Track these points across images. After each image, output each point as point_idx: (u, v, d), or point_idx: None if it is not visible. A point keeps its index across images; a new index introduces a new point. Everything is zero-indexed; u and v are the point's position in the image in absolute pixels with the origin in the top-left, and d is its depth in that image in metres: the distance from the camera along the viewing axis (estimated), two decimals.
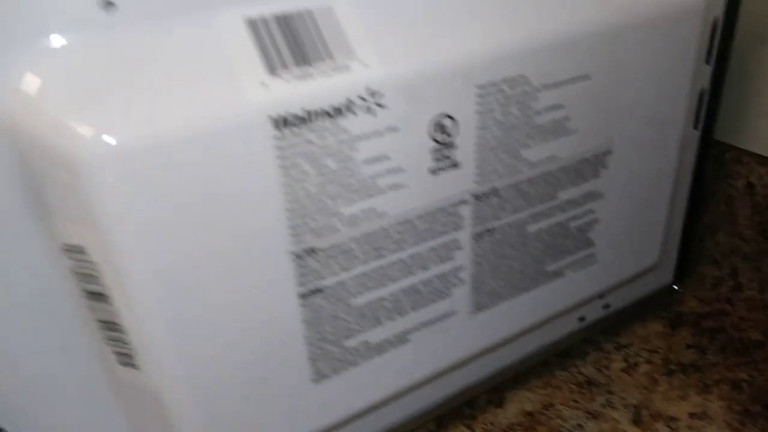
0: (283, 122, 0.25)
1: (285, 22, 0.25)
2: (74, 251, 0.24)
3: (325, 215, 0.27)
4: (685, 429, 0.43)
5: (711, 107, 0.43)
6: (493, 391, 0.45)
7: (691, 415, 0.44)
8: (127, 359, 0.26)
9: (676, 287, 0.52)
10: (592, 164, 0.36)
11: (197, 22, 0.23)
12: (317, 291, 0.29)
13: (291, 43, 0.25)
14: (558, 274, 0.38)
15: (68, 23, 0.21)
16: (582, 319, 0.46)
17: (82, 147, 0.21)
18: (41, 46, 0.21)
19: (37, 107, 0.21)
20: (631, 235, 0.40)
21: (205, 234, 0.25)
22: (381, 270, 0.31)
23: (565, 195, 0.35)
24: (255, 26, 0.24)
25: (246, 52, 0.24)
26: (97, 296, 0.25)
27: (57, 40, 0.21)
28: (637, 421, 0.44)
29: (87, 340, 0.26)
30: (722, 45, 0.41)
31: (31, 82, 0.21)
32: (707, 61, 0.41)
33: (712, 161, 0.56)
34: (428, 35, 0.27)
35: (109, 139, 0.22)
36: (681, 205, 0.46)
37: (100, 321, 0.26)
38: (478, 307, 0.36)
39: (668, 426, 0.44)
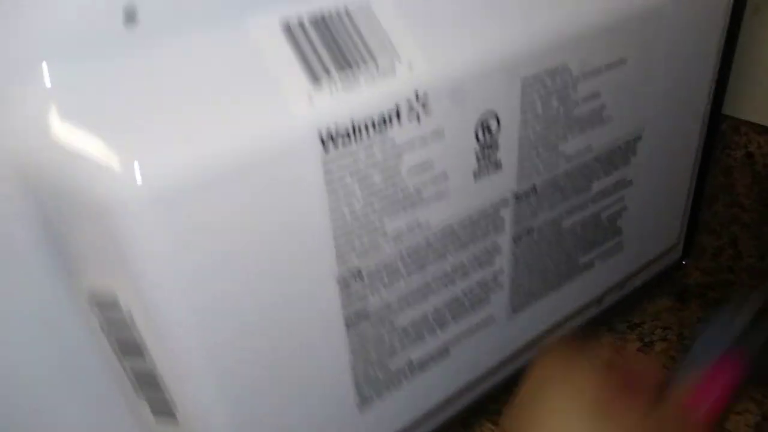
0: (330, 138, 0.22)
1: (323, 23, 0.22)
2: (104, 302, 0.21)
3: (370, 233, 0.25)
4: None
5: (721, 82, 0.42)
6: (515, 382, 0.44)
7: None
8: (164, 412, 0.24)
9: (684, 262, 0.52)
10: (624, 152, 0.34)
11: (228, 33, 0.20)
12: (363, 315, 0.27)
13: (332, 47, 0.22)
14: (589, 265, 0.37)
15: (88, 45, 0.18)
16: (600, 302, 0.45)
17: (112, 187, 0.18)
18: (59, 73, 0.18)
19: (57, 143, 0.18)
20: (656, 218, 0.40)
21: (247, 271, 0.22)
22: (424, 284, 0.28)
23: (598, 186, 0.34)
24: (291, 31, 0.22)
25: (286, 61, 0.21)
26: (131, 348, 0.22)
27: (76, 66, 0.18)
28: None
29: (119, 395, 0.23)
30: (733, 19, 0.40)
31: (50, 115, 0.18)
32: (726, 39, 0.40)
33: (716, 134, 0.56)
34: (471, 29, 0.25)
35: (143, 177, 0.19)
36: (692, 182, 0.45)
37: (135, 373, 0.23)
38: (515, 309, 0.34)
39: None
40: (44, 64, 0.18)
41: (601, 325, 0.49)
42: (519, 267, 0.32)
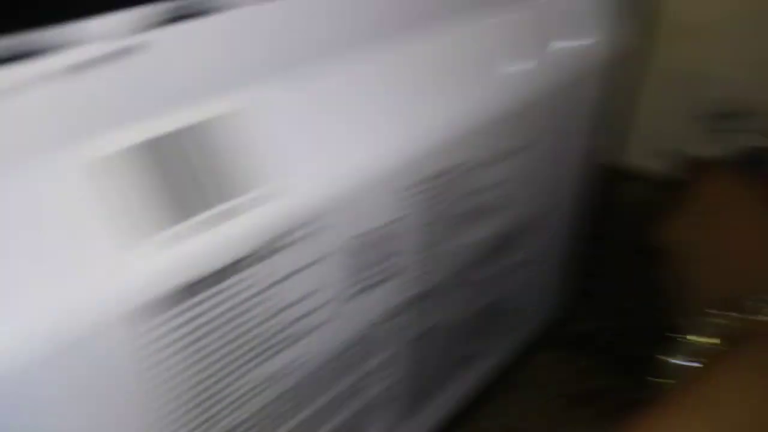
0: (160, 306, 0.17)
1: (149, 151, 0.18)
2: None
3: (230, 391, 0.21)
4: None
5: (602, 145, 0.42)
6: None
7: None
8: None
9: (568, 314, 0.52)
10: (512, 236, 0.32)
11: (43, 172, 0.15)
12: None
13: (165, 183, 0.18)
14: (483, 351, 0.35)
15: None
16: (497, 368, 0.44)
17: None
18: None
19: None
20: (539, 290, 0.39)
21: None
22: (315, 414, 0.25)
23: (494, 269, 0.32)
24: (96, 172, 0.17)
25: (94, 214, 0.16)
26: None
27: None
28: None
29: None
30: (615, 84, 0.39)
31: None
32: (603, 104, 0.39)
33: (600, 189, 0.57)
34: (345, 150, 0.22)
35: None
36: (576, 241, 0.45)
37: None
38: (412, 411, 0.31)
39: None
40: None
41: (501, 386, 0.48)
42: (412, 373, 0.30)
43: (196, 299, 0.18)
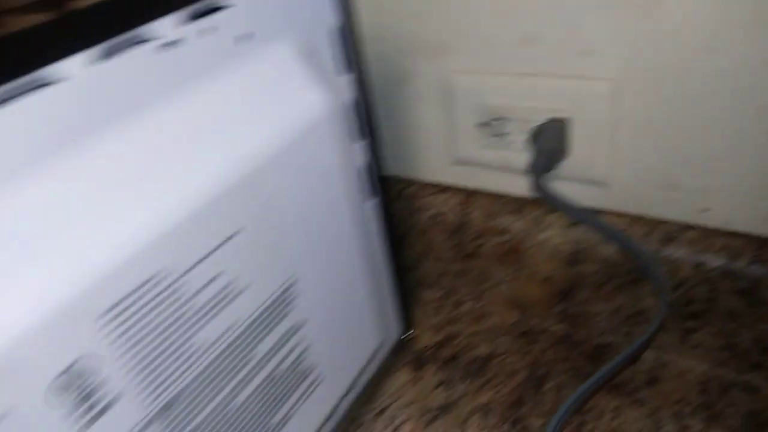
0: None
1: None
2: None
3: None
4: None
5: (377, 171, 0.43)
6: None
7: None
8: None
9: (404, 336, 0.53)
10: (280, 304, 0.32)
11: None
12: None
13: None
14: (288, 417, 0.35)
15: None
16: (334, 410, 0.44)
17: None
18: None
19: None
20: (347, 335, 0.39)
21: None
22: None
23: (263, 347, 0.31)
24: None
25: None
26: None
27: None
28: None
29: None
30: (368, 115, 0.40)
31: None
32: (362, 137, 0.40)
33: (398, 199, 0.58)
34: (13, 278, 0.20)
35: None
36: (383, 269, 0.46)
37: None
38: None
39: None
40: None
41: (351, 422, 0.48)
42: None
43: None
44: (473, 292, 0.59)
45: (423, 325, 0.57)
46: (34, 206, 0.21)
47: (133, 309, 0.24)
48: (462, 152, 0.54)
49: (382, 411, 0.50)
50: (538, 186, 0.46)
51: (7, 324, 0.20)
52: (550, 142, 0.46)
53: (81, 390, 0.23)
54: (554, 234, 0.51)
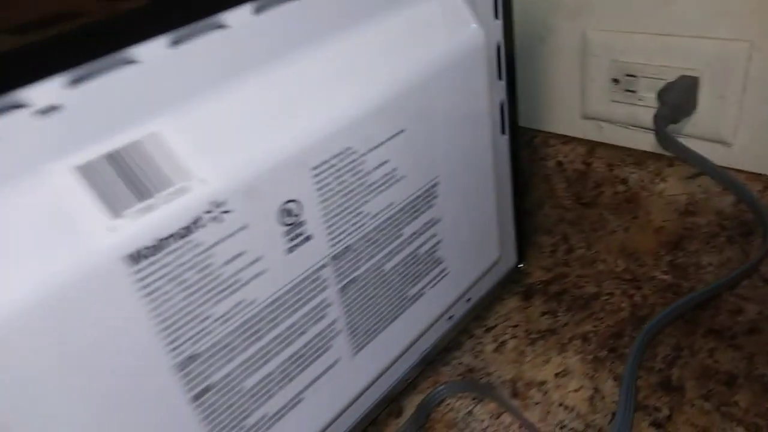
0: (137, 257, 0.26)
1: (115, 160, 0.26)
2: None
3: (198, 322, 0.29)
4: (553, 389, 0.50)
5: (511, 113, 0.49)
6: (391, 403, 0.49)
7: (556, 375, 0.51)
8: None
9: (521, 265, 0.59)
10: (425, 198, 0.40)
11: (28, 185, 0.24)
12: (207, 389, 0.30)
13: (127, 179, 0.26)
14: (419, 295, 0.43)
15: None
16: (451, 317, 0.51)
17: None
18: None
19: None
20: (472, 242, 0.46)
21: (90, 378, 0.25)
22: (263, 350, 0.33)
23: (408, 230, 0.40)
24: (87, 173, 0.25)
25: (84, 201, 0.25)
26: None
27: None
28: (515, 394, 0.50)
29: None
30: (508, 61, 0.47)
31: None
32: (499, 77, 0.47)
33: (527, 147, 0.64)
34: (256, 135, 0.30)
35: None
36: (507, 199, 0.52)
37: None
38: (358, 347, 0.39)
39: (540, 390, 0.50)
40: None
41: (462, 333, 0.55)
42: (352, 313, 0.37)
43: (158, 256, 0.26)
44: (587, 239, 0.64)
45: (535, 264, 0.63)
46: (283, 91, 0.30)
47: (331, 171, 0.33)
48: (591, 107, 0.59)
49: (491, 328, 0.57)
50: (662, 133, 0.50)
51: (255, 163, 0.29)
52: (677, 97, 0.50)
53: (291, 221, 0.32)
54: (671, 186, 0.55)
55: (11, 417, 0.24)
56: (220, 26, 0.29)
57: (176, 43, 0.27)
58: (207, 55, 0.28)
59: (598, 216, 0.61)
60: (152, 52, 0.27)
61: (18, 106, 0.24)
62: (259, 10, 0.30)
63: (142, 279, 0.26)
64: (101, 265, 0.25)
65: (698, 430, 0.45)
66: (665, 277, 0.58)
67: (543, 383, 0.50)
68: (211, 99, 0.29)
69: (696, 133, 0.52)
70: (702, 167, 0.50)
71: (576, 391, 0.50)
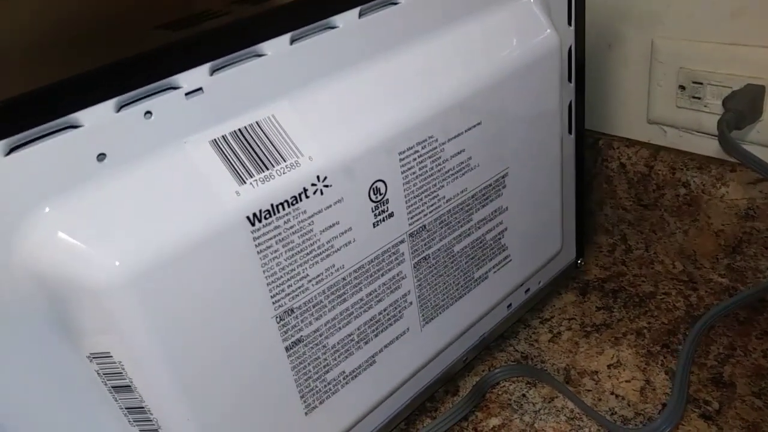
0: (256, 218, 0.31)
1: (241, 137, 0.31)
2: (101, 357, 0.29)
3: (297, 280, 0.34)
4: (606, 378, 0.53)
5: (579, 115, 0.52)
6: (448, 382, 0.53)
7: (609, 366, 0.54)
8: None
9: (580, 262, 0.62)
10: (495, 187, 0.44)
11: (174, 154, 0.29)
12: (299, 341, 0.35)
13: (250, 154, 0.31)
14: (484, 278, 0.46)
15: (75, 178, 0.27)
16: (509, 306, 0.55)
17: (97, 275, 0.27)
18: (55, 203, 0.26)
19: (58, 249, 0.26)
20: (535, 233, 0.49)
21: (206, 321, 0.30)
22: (346, 311, 0.37)
23: (478, 216, 0.43)
24: (219, 146, 0.30)
25: (217, 169, 0.30)
26: (122, 388, 0.30)
27: (68, 194, 0.26)
28: (568, 381, 0.53)
29: (114, 424, 0.31)
30: (578, 65, 0.50)
31: (53, 232, 0.26)
32: (569, 80, 0.50)
33: (591, 149, 0.67)
34: (355, 121, 0.34)
35: (118, 266, 0.27)
36: (571, 196, 0.55)
37: (126, 407, 0.31)
38: (426, 320, 0.43)
39: (593, 379, 0.53)
40: (45, 200, 0.26)
41: (518, 323, 0.59)
42: (423, 287, 0.41)
43: (272, 219, 0.31)
44: (646, 240, 0.66)
45: (593, 262, 0.66)
46: (378, 85, 0.35)
47: (414, 156, 0.37)
48: (656, 112, 0.61)
49: (547, 319, 0.60)
50: (726, 139, 0.52)
51: (353, 145, 0.34)
52: (743, 105, 0.52)
53: (378, 198, 0.36)
54: (732, 190, 0.56)
55: (145, 350, 0.29)
56: (331, 27, 0.33)
57: (295, 40, 0.32)
58: (318, 51, 0.33)
59: (659, 218, 0.63)
60: (275, 47, 0.31)
61: (172, 87, 0.29)
62: (362, 14, 0.34)
63: (257, 238, 0.31)
64: (228, 223, 0.30)
65: (748, 425, 0.47)
66: (722, 280, 0.60)
67: (595, 372, 0.53)
68: (319, 89, 0.33)
69: (760, 140, 0.54)
70: (764, 173, 0.52)
71: (628, 381, 0.52)
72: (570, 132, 0.52)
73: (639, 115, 0.63)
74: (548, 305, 0.61)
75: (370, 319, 0.39)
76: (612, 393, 0.51)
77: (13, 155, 0.25)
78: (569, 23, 0.47)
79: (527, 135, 0.45)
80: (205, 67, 0.29)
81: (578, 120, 0.53)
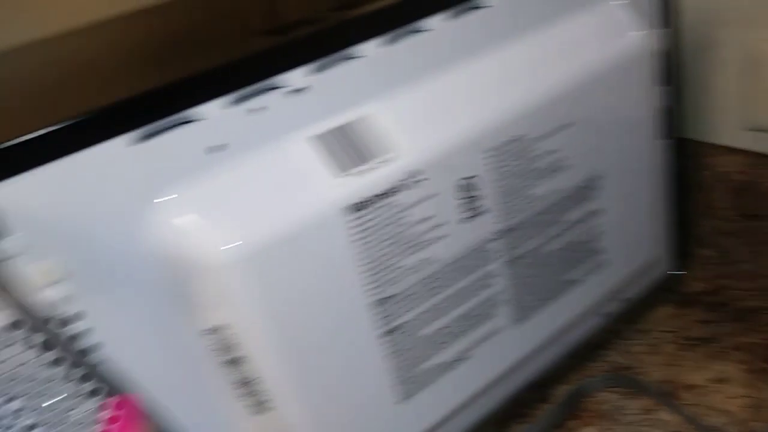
0: (353, 209, 0.33)
1: (341, 133, 0.33)
2: (215, 331, 0.32)
3: (391, 270, 0.35)
4: (710, 393, 0.50)
5: (674, 120, 0.51)
6: (539, 389, 0.52)
7: (714, 381, 0.51)
8: (260, 407, 0.34)
9: (678, 272, 0.59)
10: (589, 188, 0.44)
11: (280, 147, 0.32)
12: (394, 329, 0.37)
13: (349, 148, 0.33)
14: (577, 281, 0.46)
15: (191, 168, 0.30)
16: (604, 314, 0.53)
17: (215, 253, 0.29)
18: (183, 187, 0.30)
19: (181, 230, 0.29)
20: (632, 237, 0.48)
21: (309, 300, 0.32)
22: (439, 304, 0.38)
23: (571, 217, 0.43)
24: (321, 141, 0.33)
25: (319, 162, 0.32)
26: (235, 362, 0.33)
27: (191, 181, 0.30)
28: (666, 394, 0.51)
29: (222, 396, 0.34)
30: (672, 69, 0.49)
31: (179, 216, 0.29)
32: (663, 84, 0.49)
33: (687, 156, 0.64)
34: (447, 118, 0.36)
35: (235, 246, 0.30)
36: (667, 204, 0.54)
37: (237, 379, 0.33)
38: (519, 319, 0.43)
39: (694, 393, 0.50)
40: (170, 186, 0.29)
41: (612, 334, 0.57)
42: (516, 286, 0.42)
43: (368, 210, 0.33)
44: (751, 253, 0.62)
45: (693, 275, 0.63)
46: (471, 84, 0.36)
47: (507, 153, 0.38)
48: (758, 118, 0.59)
49: (643, 331, 0.58)
50: None
51: (447, 142, 0.35)
52: None
53: (471, 195, 0.37)
54: None
55: (257, 325, 0.31)
56: (423, 30, 0.35)
57: (390, 42, 0.34)
58: (413, 52, 0.35)
59: (766, 230, 0.60)
60: (372, 49, 0.34)
61: (277, 87, 0.32)
62: (455, 16, 0.36)
63: (355, 227, 0.33)
64: (329, 211, 0.32)
65: None
66: None
67: (697, 387, 0.51)
68: (414, 88, 0.35)
69: None
70: None
71: (735, 398, 0.49)
72: (665, 138, 0.51)
73: (739, 121, 0.60)
74: (644, 317, 0.59)
75: (464, 314, 0.40)
76: (717, 409, 0.49)
77: (144, 144, 0.29)
78: (663, 25, 0.47)
79: (619, 138, 0.44)
80: (311, 67, 0.32)
81: (674, 126, 0.52)
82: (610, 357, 0.55)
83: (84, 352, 0.29)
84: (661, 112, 0.50)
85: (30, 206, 0.27)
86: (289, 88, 0.32)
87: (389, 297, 0.36)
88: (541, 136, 0.39)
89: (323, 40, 0.33)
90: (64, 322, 0.28)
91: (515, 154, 0.39)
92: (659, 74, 0.48)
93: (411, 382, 0.38)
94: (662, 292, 0.60)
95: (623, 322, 0.57)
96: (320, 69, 0.33)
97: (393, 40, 0.35)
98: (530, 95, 0.38)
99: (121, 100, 0.28)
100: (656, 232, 0.51)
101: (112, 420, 0.28)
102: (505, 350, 0.43)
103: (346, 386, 0.35)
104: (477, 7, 0.37)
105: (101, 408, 0.29)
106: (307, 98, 0.32)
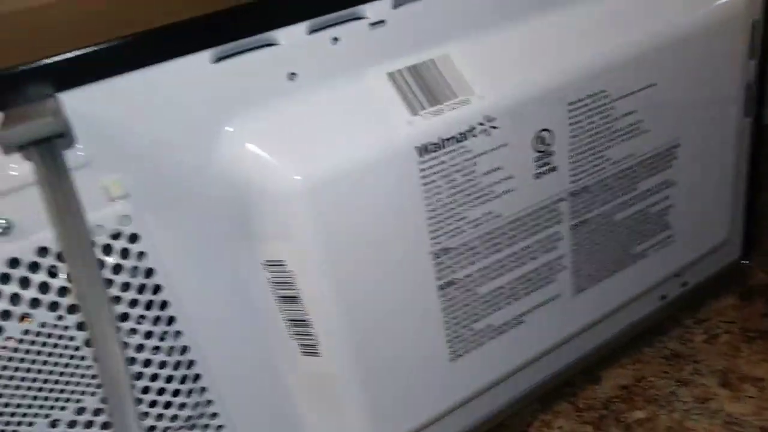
0: (424, 150, 0.31)
1: (416, 71, 0.32)
2: (274, 265, 0.31)
3: (455, 220, 0.34)
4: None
5: (759, 95, 0.48)
6: (588, 370, 0.51)
7: None
8: (310, 349, 0.33)
9: (745, 262, 0.56)
10: (664, 157, 0.41)
11: (354, 81, 0.31)
12: (451, 283, 0.35)
13: (423, 88, 0.32)
14: (642, 255, 0.44)
15: (267, 93, 0.29)
16: (663, 297, 0.51)
17: (281, 184, 0.29)
18: (254, 113, 0.29)
19: (249, 158, 0.29)
20: (702, 215, 0.46)
21: (369, 242, 0.32)
22: (499, 262, 0.37)
23: (643, 185, 0.41)
24: (394, 79, 0.31)
25: (392, 99, 0.31)
26: (290, 299, 0.32)
27: (262, 107, 0.29)
28: (725, 384, 0.49)
29: (275, 335, 0.33)
30: (763, 41, 0.46)
31: (248, 142, 0.29)
32: (751, 57, 0.46)
33: (765, 142, 0.61)
34: (526, 66, 0.34)
35: (300, 177, 0.29)
36: (742, 186, 0.51)
37: (290, 320, 0.33)
38: (578, 289, 0.42)
39: (755, 386, 0.48)
40: (243, 110, 0.29)
41: (669, 320, 0.55)
42: (579, 253, 0.40)
43: (439, 153, 0.32)
44: None
45: (759, 267, 0.60)
46: (553, 32, 0.34)
47: (584, 109, 0.36)
48: None
49: (702, 320, 0.55)
50: None
51: (523, 89, 0.34)
52: None
53: (543, 149, 0.36)
54: None
55: (315, 261, 0.31)
56: None
57: None
58: None
59: None
60: None
61: (359, 17, 0.30)
62: None
63: (424, 170, 0.32)
64: (399, 150, 0.31)
65: None
66: None
67: (760, 380, 0.48)
68: (495, 33, 0.34)
69: None
70: None
71: None
72: (748, 114, 0.48)
73: None
74: (705, 306, 0.56)
75: (522, 276, 0.38)
76: None
77: (220, 64, 0.28)
78: None
79: (703, 108, 0.42)
80: (390, 0, 0.31)
81: (759, 103, 0.49)
82: (667, 344, 0.53)
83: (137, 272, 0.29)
84: (748, 86, 0.47)
85: (100, 118, 0.27)
86: (369, 20, 0.31)
87: (449, 248, 0.34)
88: (623, 95, 0.37)
89: None
90: (122, 239, 0.28)
91: (595, 110, 0.37)
92: (750, 46, 0.45)
93: (465, 340, 0.37)
94: (725, 281, 0.57)
95: (683, 308, 0.55)
96: (402, 3, 0.31)
97: None
98: (617, 50, 0.36)
99: (204, 14, 0.27)
100: (727, 215, 0.48)
101: None
102: (559, 320, 0.42)
103: (401, 337, 0.34)
104: None
105: None
106: (385, 33, 0.31)
